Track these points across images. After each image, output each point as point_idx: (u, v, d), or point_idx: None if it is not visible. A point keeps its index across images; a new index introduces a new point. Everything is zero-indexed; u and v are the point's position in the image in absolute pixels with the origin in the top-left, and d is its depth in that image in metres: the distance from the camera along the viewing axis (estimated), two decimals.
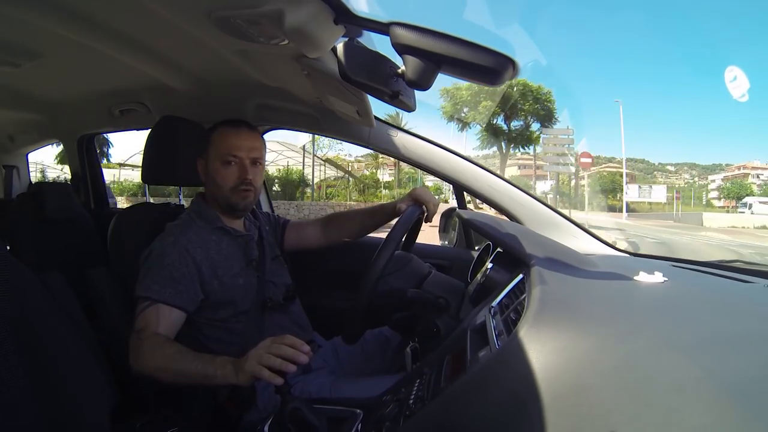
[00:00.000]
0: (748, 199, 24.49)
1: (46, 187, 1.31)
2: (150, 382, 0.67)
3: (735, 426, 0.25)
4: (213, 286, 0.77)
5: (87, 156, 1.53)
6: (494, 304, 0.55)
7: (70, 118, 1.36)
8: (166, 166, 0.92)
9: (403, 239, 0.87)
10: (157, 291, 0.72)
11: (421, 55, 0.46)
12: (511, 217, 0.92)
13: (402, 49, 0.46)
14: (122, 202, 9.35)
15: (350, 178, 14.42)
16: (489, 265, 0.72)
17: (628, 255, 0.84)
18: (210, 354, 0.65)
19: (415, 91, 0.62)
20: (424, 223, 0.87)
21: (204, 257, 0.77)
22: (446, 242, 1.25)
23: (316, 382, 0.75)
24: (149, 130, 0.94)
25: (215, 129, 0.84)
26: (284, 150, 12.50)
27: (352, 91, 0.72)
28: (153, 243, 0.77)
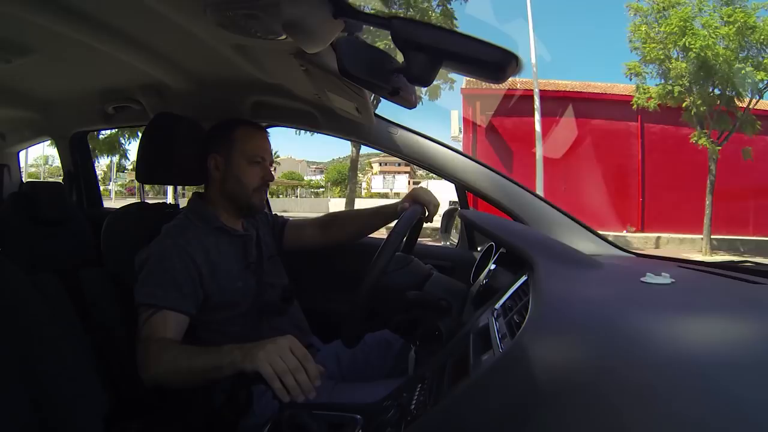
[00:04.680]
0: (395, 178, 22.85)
1: (38, 186, 1.29)
2: (143, 385, 0.65)
3: (746, 429, 0.24)
4: (212, 288, 0.75)
5: (80, 154, 1.51)
6: (497, 306, 0.54)
7: (63, 115, 1.34)
8: (161, 164, 0.90)
9: (404, 240, 0.86)
10: (161, 297, 0.70)
11: (422, 51, 0.45)
12: (515, 217, 0.91)
13: (403, 44, 0.45)
14: None
15: None
16: (492, 266, 0.71)
17: (634, 256, 0.83)
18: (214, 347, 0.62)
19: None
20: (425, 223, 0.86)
21: (204, 259, 0.75)
22: (448, 243, 1.24)
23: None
24: (144, 128, 0.92)
25: (235, 127, 0.83)
26: None
27: (351, 87, 0.70)
28: (150, 246, 0.75)
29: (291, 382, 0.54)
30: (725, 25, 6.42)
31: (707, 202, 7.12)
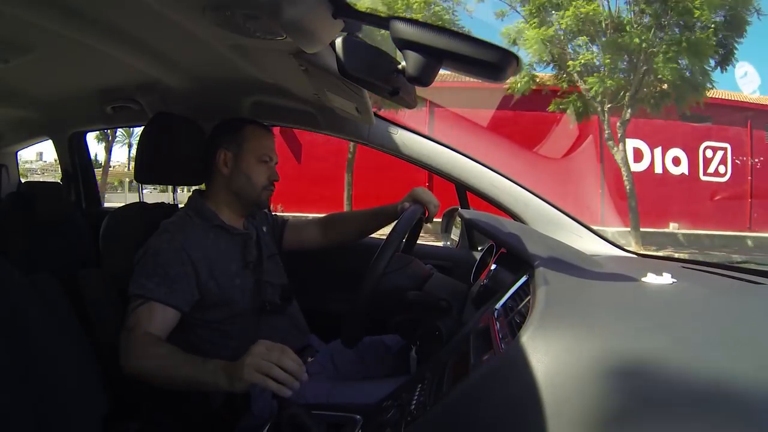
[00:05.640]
0: None
1: (36, 186, 1.29)
2: (141, 384, 0.65)
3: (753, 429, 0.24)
4: (209, 287, 0.75)
5: (78, 154, 1.51)
6: (498, 306, 0.54)
7: (61, 115, 1.34)
8: (160, 164, 0.89)
9: (404, 240, 0.86)
10: (151, 289, 0.70)
11: (422, 51, 0.45)
12: (515, 217, 0.91)
13: (402, 44, 0.45)
14: None
15: None
16: (492, 266, 0.70)
17: (635, 256, 0.83)
18: (202, 357, 0.63)
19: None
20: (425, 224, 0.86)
21: (201, 256, 0.75)
22: (448, 243, 1.23)
23: (313, 387, 0.74)
24: (143, 128, 0.92)
25: (244, 125, 0.85)
26: None
27: (350, 87, 0.70)
28: (148, 241, 0.76)
29: (281, 375, 0.54)
30: None
31: (346, 181, 7.08)
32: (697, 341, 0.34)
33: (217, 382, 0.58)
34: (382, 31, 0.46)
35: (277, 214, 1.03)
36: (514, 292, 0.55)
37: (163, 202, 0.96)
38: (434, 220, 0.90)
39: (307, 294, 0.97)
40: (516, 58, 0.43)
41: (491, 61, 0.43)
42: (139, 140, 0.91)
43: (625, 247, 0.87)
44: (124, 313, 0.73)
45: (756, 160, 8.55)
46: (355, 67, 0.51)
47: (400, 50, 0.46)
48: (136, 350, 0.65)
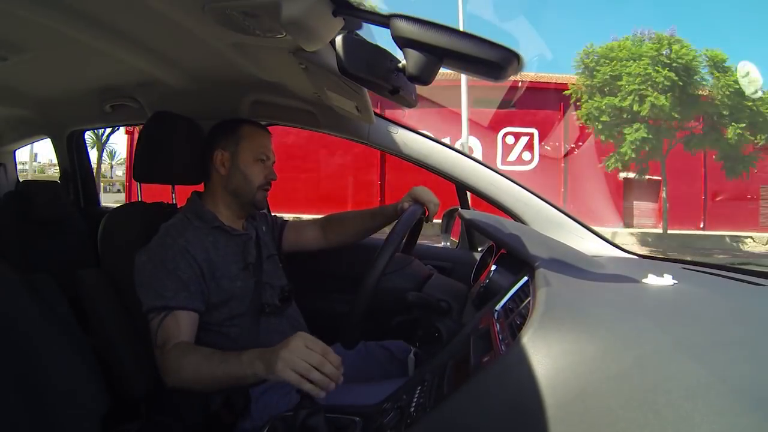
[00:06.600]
0: None
1: (34, 185, 1.28)
2: (142, 383, 0.64)
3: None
4: (211, 288, 0.75)
5: (77, 153, 1.50)
6: (498, 307, 0.54)
7: (60, 113, 1.33)
8: (159, 163, 0.89)
9: (404, 240, 0.86)
10: (170, 298, 0.69)
11: (422, 49, 0.44)
12: (515, 217, 0.91)
13: (403, 42, 0.45)
14: None
15: None
16: (492, 267, 0.70)
17: (636, 257, 0.83)
18: (234, 352, 0.62)
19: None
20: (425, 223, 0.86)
21: (204, 257, 0.75)
22: (448, 243, 1.23)
23: None
24: (142, 126, 0.92)
25: (241, 124, 0.85)
26: None
27: (351, 86, 0.70)
28: (150, 247, 0.75)
29: (317, 377, 0.53)
30: None
31: None
32: (697, 342, 0.34)
33: (256, 371, 0.57)
34: None
35: (277, 214, 1.03)
36: (514, 293, 0.55)
37: (161, 202, 0.96)
38: (434, 221, 0.89)
39: (306, 295, 0.97)
40: (517, 56, 0.43)
41: (492, 60, 0.42)
42: (138, 139, 0.90)
43: (626, 248, 0.87)
44: (124, 313, 0.73)
45: (572, 144, 7.68)
46: (355, 65, 0.50)
47: (400, 49, 0.46)
48: (172, 365, 0.64)
